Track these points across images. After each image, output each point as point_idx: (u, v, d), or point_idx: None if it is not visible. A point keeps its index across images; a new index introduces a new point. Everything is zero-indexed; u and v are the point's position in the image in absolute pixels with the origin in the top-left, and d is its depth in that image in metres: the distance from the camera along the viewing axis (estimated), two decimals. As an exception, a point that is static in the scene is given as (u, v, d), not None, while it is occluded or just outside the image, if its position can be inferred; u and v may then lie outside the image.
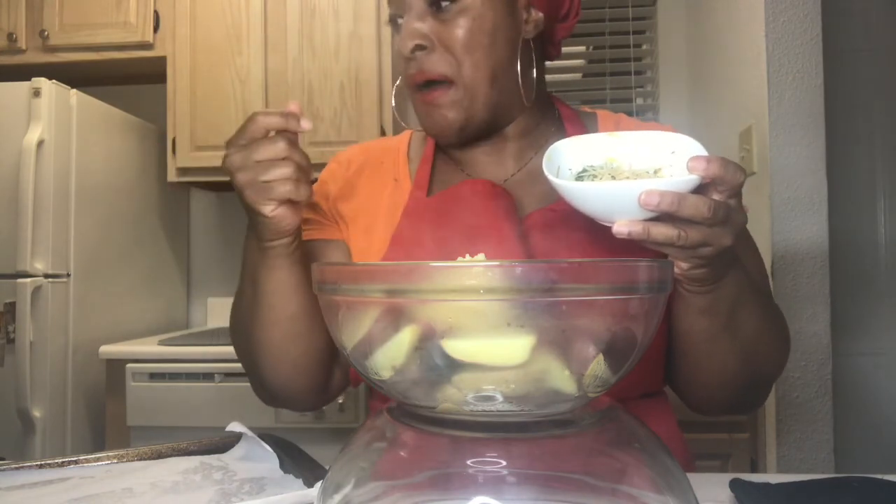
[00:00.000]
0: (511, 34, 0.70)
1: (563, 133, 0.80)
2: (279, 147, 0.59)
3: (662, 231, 0.51)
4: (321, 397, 0.77)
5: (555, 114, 0.81)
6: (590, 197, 0.52)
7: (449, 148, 0.78)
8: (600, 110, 0.84)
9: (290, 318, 0.68)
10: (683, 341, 0.66)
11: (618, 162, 0.56)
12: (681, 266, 0.56)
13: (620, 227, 0.52)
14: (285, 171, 0.59)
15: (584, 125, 0.80)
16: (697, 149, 0.54)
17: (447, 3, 0.68)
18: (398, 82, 0.76)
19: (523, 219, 0.71)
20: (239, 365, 1.89)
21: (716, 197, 0.52)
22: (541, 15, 0.72)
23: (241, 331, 0.73)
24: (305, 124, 0.60)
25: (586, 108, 0.85)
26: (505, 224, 0.70)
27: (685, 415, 0.78)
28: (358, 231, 0.78)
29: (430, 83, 0.70)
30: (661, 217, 0.52)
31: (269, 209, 0.60)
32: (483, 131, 0.74)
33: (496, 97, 0.71)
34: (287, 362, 0.70)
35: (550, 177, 0.54)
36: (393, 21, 0.72)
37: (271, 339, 0.69)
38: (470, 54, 0.68)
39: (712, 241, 0.52)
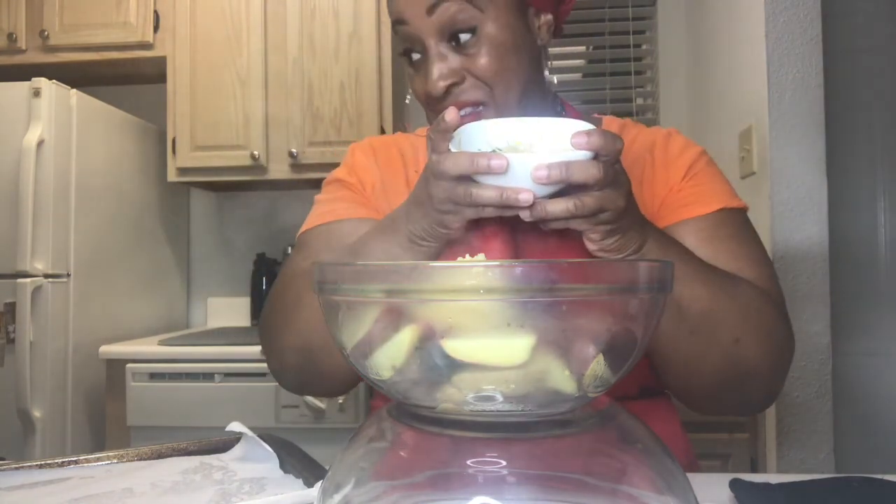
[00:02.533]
0: (531, 46, 0.71)
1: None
2: (487, 196, 0.57)
3: (559, 205, 0.55)
4: (349, 388, 0.78)
5: (563, 113, 0.81)
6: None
7: None
8: (607, 116, 0.84)
9: None
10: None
11: (523, 146, 0.56)
12: (592, 239, 0.59)
13: (523, 214, 0.56)
14: (472, 213, 0.59)
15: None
16: None
17: (466, 36, 0.67)
18: (409, 97, 0.77)
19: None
20: (239, 365, 1.87)
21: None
22: (549, 16, 0.72)
23: (308, 312, 0.70)
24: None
25: (596, 114, 0.85)
26: (497, 222, 0.70)
27: (685, 415, 0.78)
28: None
29: (464, 108, 0.69)
30: (558, 194, 0.55)
31: (457, 225, 0.61)
32: None
33: (525, 109, 0.72)
34: None
35: None
36: (406, 54, 0.71)
37: None
38: (500, 78, 0.68)
39: (608, 205, 0.55)
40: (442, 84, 0.67)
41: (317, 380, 0.75)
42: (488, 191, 0.55)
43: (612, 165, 0.55)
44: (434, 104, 0.69)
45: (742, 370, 0.65)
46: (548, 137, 0.55)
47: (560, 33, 0.78)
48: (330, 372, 0.72)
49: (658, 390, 0.76)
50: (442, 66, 0.67)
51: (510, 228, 0.71)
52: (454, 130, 0.58)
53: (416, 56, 0.70)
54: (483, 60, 0.67)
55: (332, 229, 0.77)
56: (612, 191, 0.55)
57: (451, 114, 0.58)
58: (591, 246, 0.60)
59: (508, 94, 0.69)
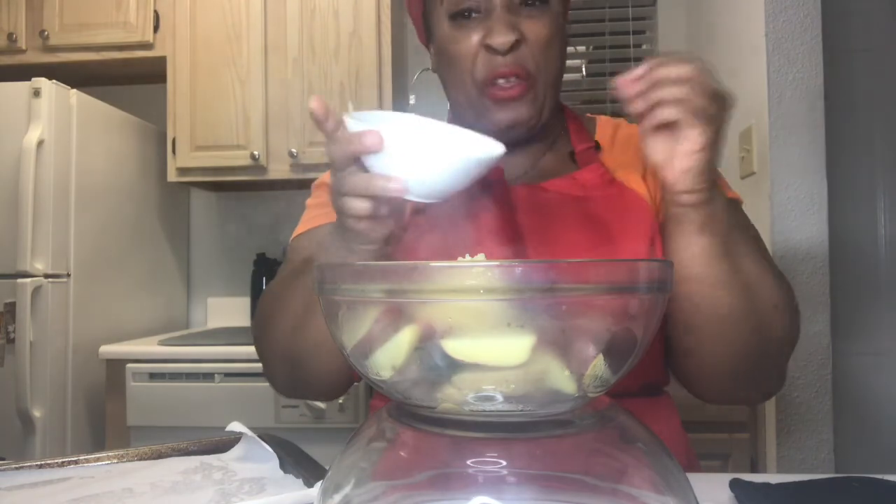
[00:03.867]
0: (566, 33, 0.74)
1: (567, 134, 0.80)
2: (358, 184, 0.54)
3: (669, 89, 0.53)
4: (341, 393, 0.77)
5: (561, 114, 0.82)
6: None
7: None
8: (602, 116, 0.85)
9: None
10: (682, 278, 0.62)
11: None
12: (692, 143, 0.55)
13: (623, 81, 0.55)
14: (362, 206, 0.55)
15: (587, 128, 0.81)
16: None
17: (537, 3, 0.70)
18: (419, 73, 0.78)
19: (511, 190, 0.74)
20: (239, 365, 1.87)
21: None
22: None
23: (289, 320, 0.70)
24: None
25: (588, 115, 0.86)
26: (489, 197, 0.71)
27: (685, 415, 0.78)
28: None
29: (511, 78, 0.70)
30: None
31: (351, 222, 0.57)
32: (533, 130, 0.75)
33: (557, 96, 0.74)
34: (340, 357, 0.68)
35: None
36: (462, 14, 0.71)
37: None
38: (550, 52, 0.71)
39: (715, 99, 0.54)
40: (511, 37, 0.68)
41: (304, 385, 0.75)
42: (359, 178, 0.53)
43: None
44: (489, 65, 0.70)
45: (773, 338, 0.65)
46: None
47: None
48: (317, 377, 0.72)
49: (659, 388, 0.76)
50: (513, 21, 0.69)
51: (509, 217, 0.71)
52: (323, 117, 0.55)
53: (475, 15, 0.71)
54: (543, 29, 0.69)
55: (320, 233, 0.77)
56: (715, 90, 0.54)
57: (314, 102, 0.55)
58: (683, 163, 0.56)
59: (550, 72, 0.71)
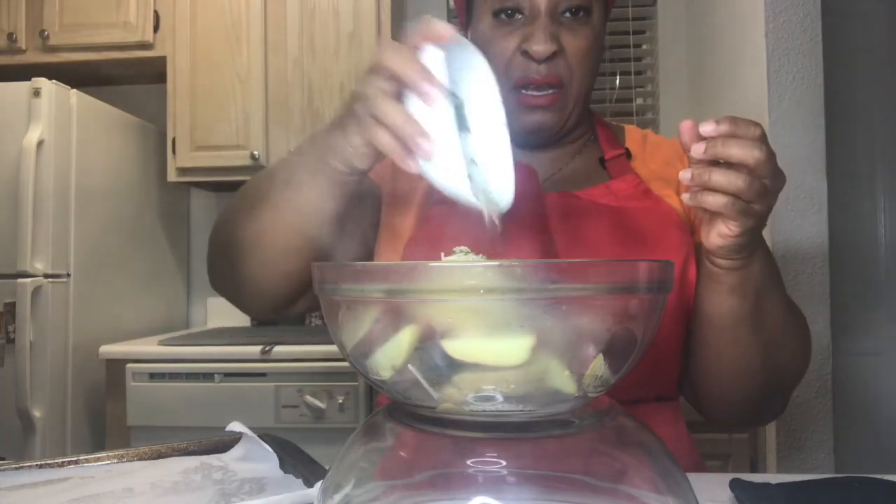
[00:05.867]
0: (603, 46, 0.74)
1: (596, 140, 0.80)
2: (394, 119, 0.49)
3: (726, 176, 0.50)
4: (278, 312, 0.73)
5: (589, 120, 0.82)
6: None
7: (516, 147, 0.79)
8: (629, 125, 0.85)
9: (306, 239, 0.63)
10: (708, 327, 0.64)
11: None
12: (729, 230, 0.54)
13: (684, 173, 0.52)
14: (384, 139, 0.50)
15: (615, 135, 0.82)
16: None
17: (575, 15, 0.70)
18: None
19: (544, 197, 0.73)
20: (239, 365, 1.87)
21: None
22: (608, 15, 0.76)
23: (242, 215, 0.67)
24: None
25: (615, 123, 0.87)
26: (525, 207, 0.70)
27: (686, 415, 0.78)
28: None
29: (543, 87, 0.70)
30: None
31: (357, 139, 0.53)
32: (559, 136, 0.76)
33: (587, 104, 0.74)
34: (278, 271, 0.65)
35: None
36: (505, 12, 0.71)
37: (276, 243, 0.63)
38: (584, 66, 0.71)
39: (765, 196, 0.52)
40: (550, 47, 0.68)
41: (240, 285, 0.69)
42: (395, 113, 0.48)
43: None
44: (524, 71, 0.70)
45: (784, 383, 0.69)
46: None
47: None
48: (252, 276, 0.67)
49: (670, 394, 0.76)
50: (553, 30, 0.69)
51: (543, 227, 0.71)
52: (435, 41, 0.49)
53: (518, 16, 0.70)
54: (584, 43, 0.70)
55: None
56: (772, 180, 0.53)
57: (436, 26, 0.48)
58: (717, 241, 0.55)
59: (582, 84, 0.72)
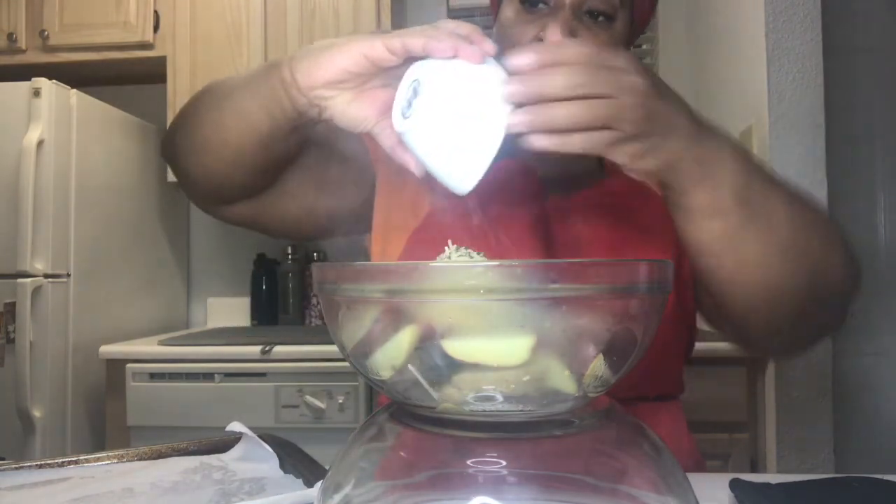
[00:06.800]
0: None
1: None
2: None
3: (560, 112, 0.46)
4: (212, 204, 0.73)
5: None
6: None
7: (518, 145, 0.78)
8: None
9: (253, 162, 0.62)
10: (707, 259, 0.56)
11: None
12: (621, 159, 0.49)
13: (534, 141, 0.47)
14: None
15: None
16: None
17: (599, 20, 0.68)
18: None
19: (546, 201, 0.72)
20: (238, 365, 1.87)
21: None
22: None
23: (197, 123, 0.65)
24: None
25: None
26: (526, 207, 0.70)
27: (686, 415, 0.78)
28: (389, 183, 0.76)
29: None
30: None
31: (325, 90, 0.52)
32: None
33: None
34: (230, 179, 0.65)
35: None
36: (530, 1, 0.70)
37: (223, 158, 0.62)
38: None
39: (628, 114, 0.47)
40: (562, 39, 0.66)
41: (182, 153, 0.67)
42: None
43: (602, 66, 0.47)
44: None
45: (827, 290, 0.59)
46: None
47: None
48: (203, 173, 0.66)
49: (674, 395, 0.76)
50: (573, 25, 0.67)
51: (543, 228, 0.70)
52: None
53: (543, 7, 0.69)
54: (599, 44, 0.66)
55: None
56: (631, 95, 0.47)
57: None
58: (628, 166, 0.51)
59: None
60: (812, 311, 0.60)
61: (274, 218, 0.75)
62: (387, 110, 0.52)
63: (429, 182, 0.53)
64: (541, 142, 0.47)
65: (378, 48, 0.49)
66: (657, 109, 0.49)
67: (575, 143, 0.47)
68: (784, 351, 0.67)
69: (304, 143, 0.65)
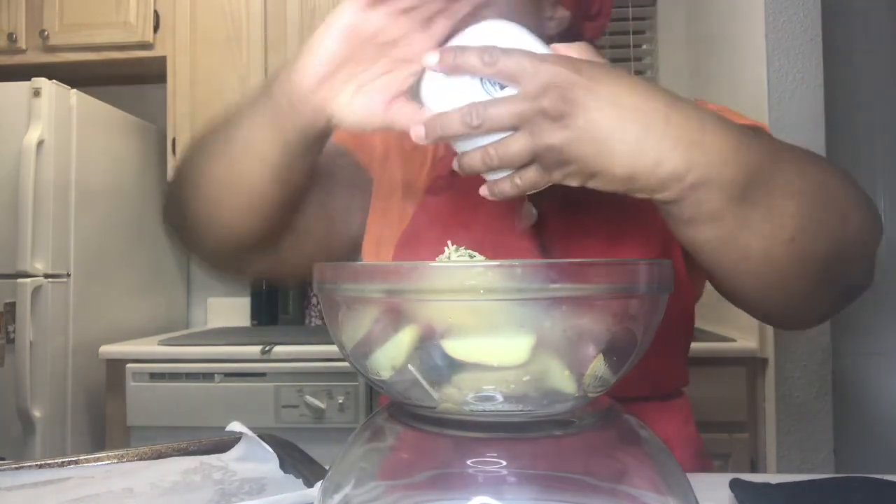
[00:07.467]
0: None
1: None
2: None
3: (470, 158, 0.45)
4: (226, 263, 0.70)
5: None
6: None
7: None
8: None
9: (269, 203, 0.59)
10: (711, 269, 0.52)
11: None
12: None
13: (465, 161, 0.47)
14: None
15: None
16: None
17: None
18: None
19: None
20: (238, 365, 1.87)
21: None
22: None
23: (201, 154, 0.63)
24: None
25: None
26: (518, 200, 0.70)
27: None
28: (384, 185, 0.76)
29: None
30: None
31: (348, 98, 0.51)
32: None
33: None
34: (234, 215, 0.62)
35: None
36: None
37: (229, 184, 0.59)
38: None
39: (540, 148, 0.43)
40: (564, 12, 0.68)
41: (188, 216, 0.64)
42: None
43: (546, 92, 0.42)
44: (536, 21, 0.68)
45: (851, 246, 0.52)
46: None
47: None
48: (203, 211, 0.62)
49: (678, 392, 0.76)
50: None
51: (538, 230, 0.70)
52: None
53: None
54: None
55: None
56: (541, 126, 0.43)
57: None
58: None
59: None
60: (835, 276, 0.53)
61: (294, 263, 0.72)
62: (394, 97, 0.51)
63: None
64: (483, 192, 0.47)
65: (352, 7, 0.48)
66: (583, 103, 0.43)
67: (506, 191, 0.46)
68: (818, 317, 0.60)
69: (313, 174, 0.63)
